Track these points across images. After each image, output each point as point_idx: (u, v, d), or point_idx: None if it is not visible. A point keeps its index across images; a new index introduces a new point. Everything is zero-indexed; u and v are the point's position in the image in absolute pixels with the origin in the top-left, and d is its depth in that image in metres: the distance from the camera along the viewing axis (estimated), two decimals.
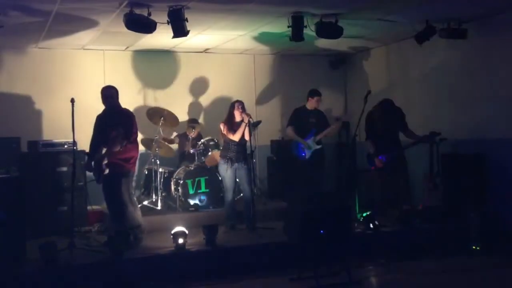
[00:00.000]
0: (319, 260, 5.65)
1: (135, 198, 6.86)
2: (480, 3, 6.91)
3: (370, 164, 7.73)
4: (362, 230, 6.94)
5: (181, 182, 7.95)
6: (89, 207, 7.64)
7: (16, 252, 5.63)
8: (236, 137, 7.28)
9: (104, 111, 6.69)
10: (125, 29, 6.59)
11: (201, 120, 9.63)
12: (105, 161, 6.25)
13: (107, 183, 6.40)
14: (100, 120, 6.70)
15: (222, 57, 9.92)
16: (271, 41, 8.85)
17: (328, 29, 7.17)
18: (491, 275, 6.02)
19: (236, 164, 7.33)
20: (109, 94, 6.58)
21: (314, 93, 8.29)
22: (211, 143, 8.37)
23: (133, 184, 6.68)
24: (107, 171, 6.25)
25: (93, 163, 6.38)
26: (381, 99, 7.76)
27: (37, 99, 8.76)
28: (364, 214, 6.98)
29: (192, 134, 8.57)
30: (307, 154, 8.08)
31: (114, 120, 6.44)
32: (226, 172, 7.36)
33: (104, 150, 6.27)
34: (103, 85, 8.96)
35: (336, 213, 5.77)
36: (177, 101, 9.57)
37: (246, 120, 7.21)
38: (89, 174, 6.80)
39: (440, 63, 8.48)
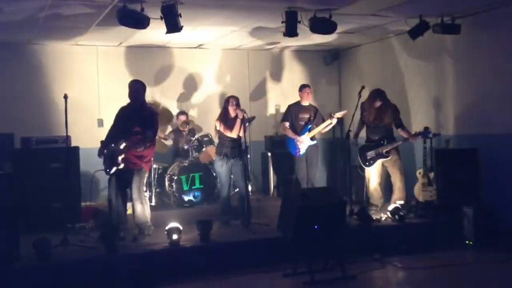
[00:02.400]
0: (313, 255, 5.66)
1: (147, 195, 6.86)
2: None
3: (362, 159, 7.84)
4: (356, 225, 6.96)
5: (175, 178, 7.93)
6: (82, 204, 7.63)
7: (9, 248, 5.59)
8: (233, 134, 7.28)
9: (129, 104, 6.64)
10: (118, 25, 6.57)
11: (194, 115, 9.62)
12: (122, 156, 6.21)
13: (119, 177, 6.43)
14: (123, 113, 6.65)
15: (215, 52, 9.91)
16: (265, 37, 8.84)
17: (322, 25, 7.16)
18: (484, 270, 6.05)
19: (231, 160, 7.33)
20: (135, 89, 6.53)
21: (302, 86, 8.34)
22: (206, 139, 8.38)
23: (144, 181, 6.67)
24: (122, 165, 6.24)
25: (105, 151, 6.38)
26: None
27: (30, 95, 8.72)
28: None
29: (185, 128, 8.53)
30: (301, 150, 8.08)
31: (141, 118, 6.39)
32: (221, 168, 7.35)
33: (123, 145, 6.16)
34: (97, 81, 9.10)
35: (330, 208, 5.78)
36: (170, 97, 9.57)
37: (241, 116, 7.20)
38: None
39: (433, 58, 8.49)
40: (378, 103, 7.72)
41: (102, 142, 6.54)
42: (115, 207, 6.53)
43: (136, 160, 6.46)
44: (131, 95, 6.55)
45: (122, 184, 6.55)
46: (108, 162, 6.35)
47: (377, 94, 7.78)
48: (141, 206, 6.54)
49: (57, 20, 7.20)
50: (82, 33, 8.07)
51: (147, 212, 6.64)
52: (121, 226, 6.57)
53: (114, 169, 6.30)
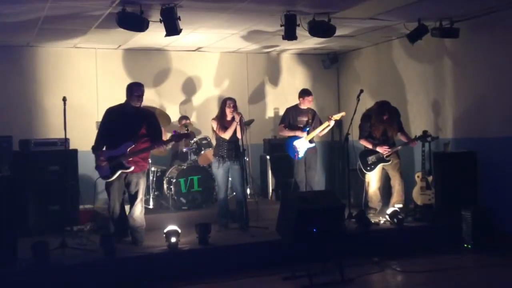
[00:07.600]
0: (312, 259, 5.65)
1: None
2: (472, 2, 6.93)
3: (363, 164, 7.82)
4: (355, 229, 6.96)
5: (174, 181, 7.92)
6: (81, 206, 7.61)
7: (7, 251, 5.59)
8: (226, 135, 7.26)
9: (127, 106, 6.41)
10: (118, 28, 6.58)
11: (193, 119, 9.61)
12: (130, 158, 6.23)
13: (118, 181, 6.37)
14: (124, 113, 6.41)
15: (214, 55, 9.91)
16: (264, 40, 8.85)
17: (321, 28, 7.16)
18: (483, 273, 6.06)
19: (228, 163, 7.31)
20: (143, 92, 6.43)
21: (306, 93, 8.26)
22: (204, 142, 8.38)
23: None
24: (132, 168, 6.25)
25: (101, 158, 6.29)
26: (373, 98, 7.82)
27: (29, 98, 8.72)
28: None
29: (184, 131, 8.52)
30: (300, 153, 8.08)
31: (145, 119, 6.42)
32: (218, 170, 7.33)
33: (131, 146, 6.22)
34: (96, 84, 9.09)
35: (329, 211, 5.78)
36: (169, 100, 9.57)
37: (237, 119, 7.18)
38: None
39: (432, 62, 8.50)
40: (385, 116, 7.68)
41: (94, 148, 6.41)
42: (120, 214, 6.51)
43: (144, 162, 6.51)
44: (140, 97, 6.38)
45: (121, 188, 6.48)
46: (111, 166, 6.27)
47: (384, 107, 7.70)
48: (141, 208, 6.53)
49: (56, 23, 7.20)
50: (81, 35, 8.06)
51: (143, 215, 6.62)
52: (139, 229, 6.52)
53: (118, 172, 6.27)
